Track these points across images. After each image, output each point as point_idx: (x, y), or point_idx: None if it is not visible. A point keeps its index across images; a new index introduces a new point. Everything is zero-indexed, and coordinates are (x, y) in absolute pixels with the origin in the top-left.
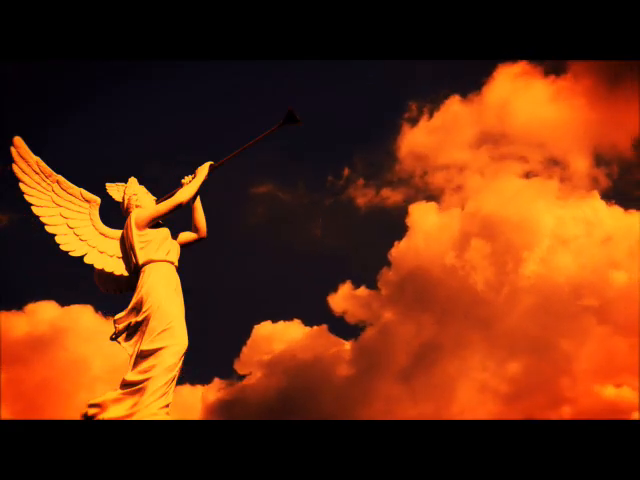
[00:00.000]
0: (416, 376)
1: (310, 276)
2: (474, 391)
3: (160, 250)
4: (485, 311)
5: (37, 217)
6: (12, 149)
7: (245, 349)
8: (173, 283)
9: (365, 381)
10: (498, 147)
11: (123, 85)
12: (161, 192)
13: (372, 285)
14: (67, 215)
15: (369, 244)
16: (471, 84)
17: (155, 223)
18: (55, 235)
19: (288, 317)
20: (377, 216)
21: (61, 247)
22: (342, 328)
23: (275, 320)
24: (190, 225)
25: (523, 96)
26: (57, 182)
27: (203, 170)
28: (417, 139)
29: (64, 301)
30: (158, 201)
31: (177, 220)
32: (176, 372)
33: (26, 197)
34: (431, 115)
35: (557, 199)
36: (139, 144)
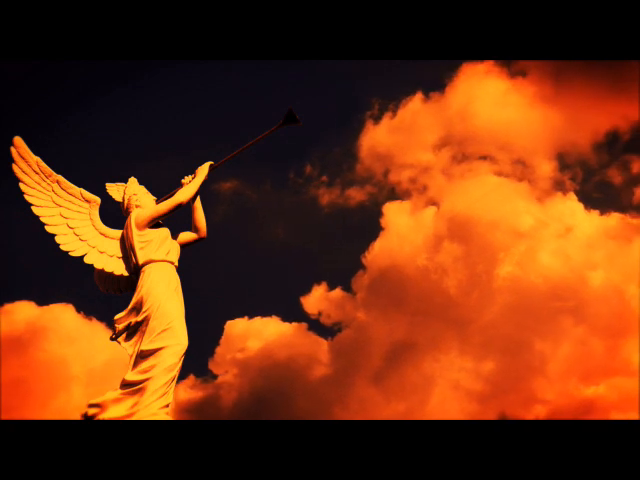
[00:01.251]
0: (391, 376)
1: (282, 276)
2: (449, 391)
3: (160, 250)
4: (460, 312)
5: (37, 217)
6: (12, 149)
7: (218, 348)
8: (173, 283)
9: (340, 382)
10: (462, 147)
11: (123, 85)
12: (161, 192)
13: (346, 286)
14: (67, 215)
15: (336, 244)
16: (435, 83)
17: (155, 223)
18: (55, 235)
19: (263, 315)
20: (341, 215)
21: (61, 247)
22: (317, 329)
23: (250, 318)
24: (190, 225)
25: (487, 96)
26: (57, 182)
27: (203, 170)
28: (381, 138)
29: (43, 301)
30: (158, 201)
31: (177, 220)
32: (176, 372)
33: (26, 197)
34: (395, 114)
35: (528, 200)
36: (139, 144)
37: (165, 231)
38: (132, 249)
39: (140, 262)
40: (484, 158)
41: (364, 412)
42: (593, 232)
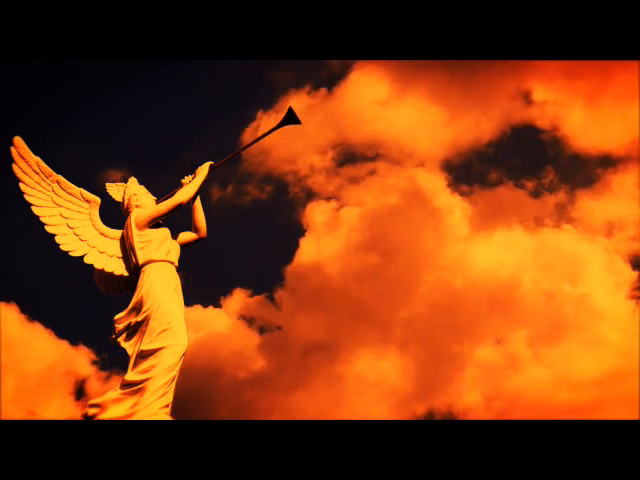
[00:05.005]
0: (312, 378)
1: (199, 276)
2: (371, 391)
3: (160, 250)
4: (384, 313)
5: (37, 217)
6: (12, 149)
7: None
8: (173, 283)
9: (262, 383)
10: (351, 146)
11: (123, 85)
12: (160, 192)
13: (262, 288)
14: (67, 215)
15: (237, 242)
16: (324, 82)
17: (155, 223)
18: (55, 235)
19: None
20: (233, 213)
21: (61, 247)
22: (240, 331)
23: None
24: (190, 225)
25: (376, 96)
26: (57, 182)
27: (203, 170)
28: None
29: None
30: (158, 201)
31: (177, 220)
32: (176, 372)
33: (26, 197)
34: (280, 112)
35: (429, 201)
36: (139, 144)
37: (165, 231)
38: (132, 249)
39: (140, 262)
40: (375, 158)
41: (287, 412)
42: (513, 235)
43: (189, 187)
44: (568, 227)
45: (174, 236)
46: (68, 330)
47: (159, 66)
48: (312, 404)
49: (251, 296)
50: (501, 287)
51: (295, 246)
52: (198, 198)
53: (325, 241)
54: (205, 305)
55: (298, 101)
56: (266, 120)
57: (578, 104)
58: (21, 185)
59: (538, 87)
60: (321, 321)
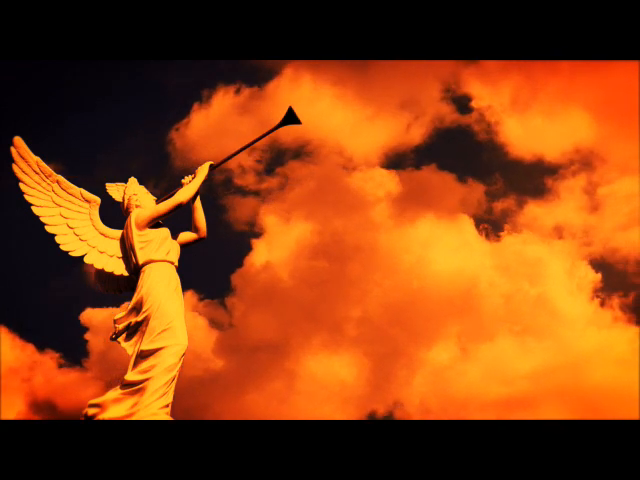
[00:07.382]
0: (265, 378)
1: None
2: (323, 391)
3: (160, 250)
4: (337, 313)
5: (37, 217)
6: (12, 149)
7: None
8: (173, 283)
9: (214, 383)
10: (283, 147)
11: (123, 85)
12: (161, 192)
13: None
14: (67, 215)
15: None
16: (253, 81)
17: (155, 223)
18: (55, 235)
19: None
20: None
21: (61, 247)
22: (192, 331)
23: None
24: (190, 225)
25: (307, 95)
26: (57, 182)
27: (203, 170)
28: (194, 135)
29: None
30: (158, 201)
31: (177, 220)
32: (176, 372)
33: (26, 197)
34: (208, 111)
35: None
36: (139, 144)
37: (165, 231)
38: (132, 249)
39: (140, 262)
40: (306, 156)
41: (240, 413)
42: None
43: (189, 187)
44: (526, 231)
45: (174, 236)
46: (35, 334)
47: (93, 64)
48: (264, 404)
49: (202, 299)
50: (459, 290)
51: (243, 247)
52: (198, 198)
53: (274, 243)
54: None
55: (225, 99)
56: (196, 116)
57: (513, 108)
58: (21, 185)
59: (474, 90)
60: (273, 322)
